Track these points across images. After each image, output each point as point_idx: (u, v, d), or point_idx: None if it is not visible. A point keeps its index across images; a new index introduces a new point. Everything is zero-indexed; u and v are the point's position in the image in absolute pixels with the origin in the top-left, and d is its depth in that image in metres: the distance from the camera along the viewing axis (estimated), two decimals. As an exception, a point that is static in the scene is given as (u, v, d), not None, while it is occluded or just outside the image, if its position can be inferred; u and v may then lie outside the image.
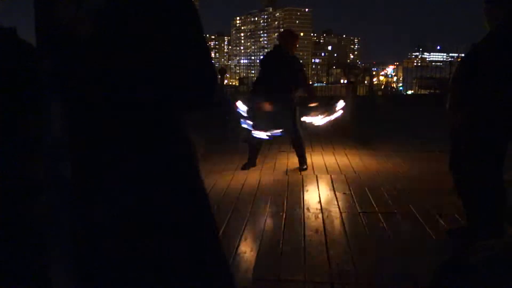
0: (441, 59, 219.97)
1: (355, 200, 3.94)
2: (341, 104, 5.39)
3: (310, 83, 6.38)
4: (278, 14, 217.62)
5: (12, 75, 1.33)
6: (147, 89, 1.07)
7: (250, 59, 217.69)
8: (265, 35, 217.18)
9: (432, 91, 17.81)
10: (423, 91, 18.87)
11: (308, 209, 3.73)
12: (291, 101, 4.94)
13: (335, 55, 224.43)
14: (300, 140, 5.12)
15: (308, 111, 5.25)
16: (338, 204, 3.84)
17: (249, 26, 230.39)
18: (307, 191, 4.27)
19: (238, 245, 2.96)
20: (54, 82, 1.09)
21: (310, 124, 5.33)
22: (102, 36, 1.03)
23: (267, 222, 3.42)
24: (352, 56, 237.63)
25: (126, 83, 1.05)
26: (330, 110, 5.34)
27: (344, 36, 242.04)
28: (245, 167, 5.15)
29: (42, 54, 1.12)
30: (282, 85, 4.78)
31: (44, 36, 1.11)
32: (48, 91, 1.11)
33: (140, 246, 1.09)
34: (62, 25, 1.05)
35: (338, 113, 5.34)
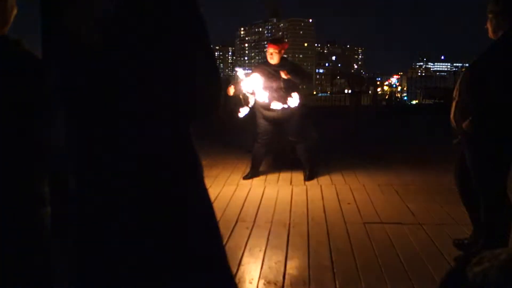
0: (446, 69, 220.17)
1: (359, 211, 3.91)
2: (295, 98, 4.80)
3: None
4: (282, 24, 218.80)
5: (18, 87, 1.35)
6: (154, 100, 1.08)
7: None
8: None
9: (436, 101, 17.80)
10: (427, 101, 18.85)
11: (312, 219, 3.71)
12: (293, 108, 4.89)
13: (339, 65, 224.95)
14: (304, 147, 5.12)
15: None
16: (342, 215, 3.82)
17: (253, 37, 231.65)
18: (311, 201, 4.25)
19: (242, 256, 2.95)
20: (61, 93, 1.10)
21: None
22: (110, 47, 1.04)
23: (272, 232, 3.41)
24: (356, 66, 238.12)
25: (133, 94, 1.05)
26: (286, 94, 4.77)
27: (348, 46, 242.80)
28: (247, 177, 5.15)
29: (49, 65, 1.13)
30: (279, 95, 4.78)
31: (51, 46, 1.12)
32: (54, 102, 1.11)
33: (144, 256, 1.09)
34: (70, 35, 1.06)
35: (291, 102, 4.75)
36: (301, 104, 5.08)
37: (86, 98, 1.07)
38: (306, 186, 4.82)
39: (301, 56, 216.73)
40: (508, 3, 2.55)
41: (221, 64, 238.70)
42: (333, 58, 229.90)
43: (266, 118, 4.96)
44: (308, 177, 5.10)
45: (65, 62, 1.09)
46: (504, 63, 2.47)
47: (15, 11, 1.47)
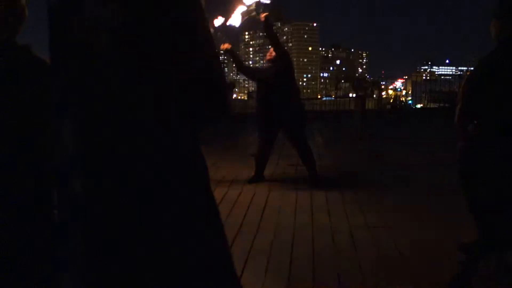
0: (450, 72, 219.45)
1: (365, 215, 3.90)
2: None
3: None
4: (286, 28, 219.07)
5: (26, 91, 1.36)
6: (161, 104, 1.09)
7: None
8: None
9: (441, 104, 17.72)
10: (432, 105, 18.78)
11: (317, 223, 3.70)
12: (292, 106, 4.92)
13: (344, 69, 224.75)
14: (309, 152, 5.12)
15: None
16: (347, 219, 3.81)
17: (257, 41, 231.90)
18: (316, 205, 4.24)
19: (247, 260, 2.95)
20: (68, 98, 1.11)
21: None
22: (117, 54, 1.05)
23: (276, 237, 3.40)
24: (360, 70, 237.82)
25: (140, 99, 1.06)
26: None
27: (352, 50, 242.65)
28: (252, 181, 5.15)
29: (57, 70, 1.14)
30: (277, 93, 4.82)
31: (59, 52, 1.14)
32: (61, 106, 1.13)
33: (151, 259, 1.10)
34: (77, 42, 1.07)
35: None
36: (301, 108, 5.10)
37: (93, 103, 1.08)
38: (311, 190, 4.81)
39: (305, 60, 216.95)
40: None
41: (226, 69, 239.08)
42: (338, 62, 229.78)
43: (267, 120, 4.97)
44: (312, 181, 5.09)
45: (73, 67, 1.10)
46: (508, 66, 2.47)
47: (26, 14, 1.48)
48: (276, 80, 4.81)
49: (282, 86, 4.85)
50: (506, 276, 2.32)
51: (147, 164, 1.08)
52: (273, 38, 4.94)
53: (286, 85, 4.91)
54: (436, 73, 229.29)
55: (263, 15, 4.64)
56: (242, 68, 5.26)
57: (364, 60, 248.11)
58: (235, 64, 5.21)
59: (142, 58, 1.06)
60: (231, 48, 4.98)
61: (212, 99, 1.15)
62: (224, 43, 4.91)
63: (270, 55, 4.99)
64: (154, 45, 1.06)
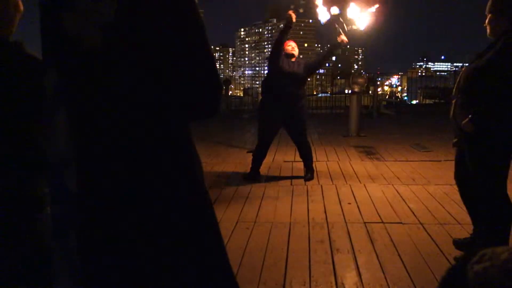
0: (446, 68, 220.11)
1: (360, 210, 3.91)
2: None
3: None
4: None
5: (18, 88, 1.35)
6: (154, 101, 1.08)
7: (255, 70, 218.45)
8: (269, 46, 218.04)
9: (436, 100, 17.80)
10: (428, 101, 18.85)
11: (313, 219, 3.71)
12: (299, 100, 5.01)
13: (339, 65, 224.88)
14: (307, 147, 5.14)
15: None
16: (343, 214, 3.82)
17: (253, 38, 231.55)
18: (312, 201, 4.25)
19: (243, 256, 2.95)
20: (60, 95, 1.10)
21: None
22: (109, 49, 1.04)
23: (272, 232, 3.41)
24: (356, 67, 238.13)
25: (132, 95, 1.06)
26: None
27: (348, 46, 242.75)
28: (248, 177, 5.14)
29: (49, 67, 1.13)
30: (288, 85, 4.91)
31: (51, 48, 1.13)
32: (53, 104, 1.12)
33: (145, 258, 1.09)
34: (69, 38, 1.06)
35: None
36: (303, 105, 5.12)
37: (85, 100, 1.07)
38: (307, 186, 4.82)
39: (301, 56, 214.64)
40: (507, 2, 2.55)
41: (222, 65, 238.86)
42: (333, 58, 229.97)
43: (270, 117, 4.97)
44: (309, 177, 5.10)
45: (65, 64, 1.09)
46: (503, 62, 2.47)
47: (21, 10, 1.46)
48: (302, 77, 5.04)
49: (301, 84, 5.07)
50: (499, 270, 2.33)
51: (140, 161, 1.08)
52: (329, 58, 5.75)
53: (303, 85, 5.17)
54: (432, 69, 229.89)
55: (342, 38, 5.01)
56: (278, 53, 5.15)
57: (360, 57, 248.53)
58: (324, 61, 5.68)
59: (135, 54, 1.05)
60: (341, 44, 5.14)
61: (205, 96, 1.14)
62: (339, 34, 5.06)
63: (293, 49, 5.21)
64: (148, 41, 1.05)
